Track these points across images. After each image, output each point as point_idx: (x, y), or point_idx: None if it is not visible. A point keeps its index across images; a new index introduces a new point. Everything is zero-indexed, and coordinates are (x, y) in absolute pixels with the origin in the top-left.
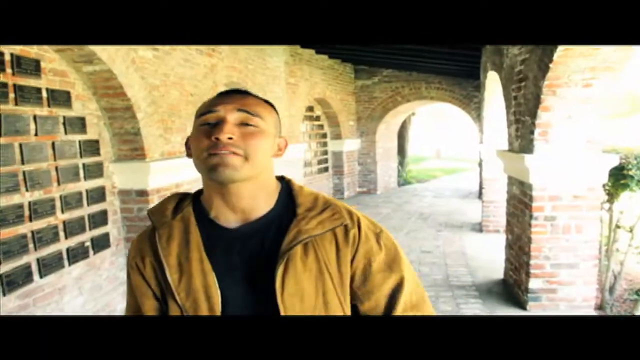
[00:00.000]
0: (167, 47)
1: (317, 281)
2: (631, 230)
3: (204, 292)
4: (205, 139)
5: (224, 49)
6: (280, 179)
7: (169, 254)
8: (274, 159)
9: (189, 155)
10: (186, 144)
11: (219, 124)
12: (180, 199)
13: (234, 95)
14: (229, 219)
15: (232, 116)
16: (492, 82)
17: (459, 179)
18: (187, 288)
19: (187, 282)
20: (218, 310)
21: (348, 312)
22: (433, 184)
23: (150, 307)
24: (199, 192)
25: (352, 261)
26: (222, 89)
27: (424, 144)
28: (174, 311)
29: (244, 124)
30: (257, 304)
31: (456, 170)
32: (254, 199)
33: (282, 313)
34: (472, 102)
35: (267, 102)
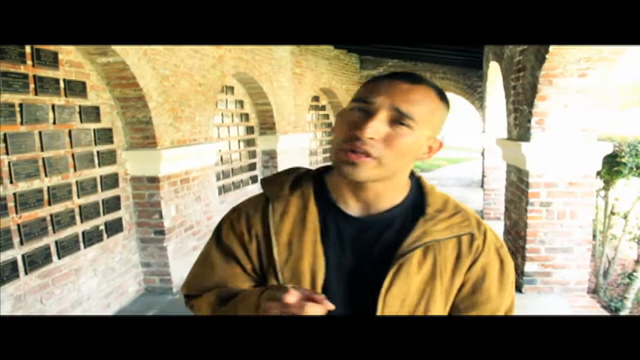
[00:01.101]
0: None
1: (426, 287)
2: (625, 217)
3: (310, 276)
4: (347, 129)
5: None
6: (411, 175)
7: (281, 231)
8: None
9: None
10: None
11: (367, 116)
12: (300, 175)
13: (399, 84)
14: (352, 207)
15: (384, 114)
16: (494, 72)
17: (463, 168)
18: (293, 269)
19: (295, 263)
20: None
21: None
22: (437, 173)
23: (238, 278)
24: (322, 170)
25: (466, 272)
26: (230, 79)
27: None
28: None
29: (395, 121)
30: (357, 295)
31: (461, 160)
32: (382, 193)
33: (379, 311)
34: (475, 92)
35: (439, 95)
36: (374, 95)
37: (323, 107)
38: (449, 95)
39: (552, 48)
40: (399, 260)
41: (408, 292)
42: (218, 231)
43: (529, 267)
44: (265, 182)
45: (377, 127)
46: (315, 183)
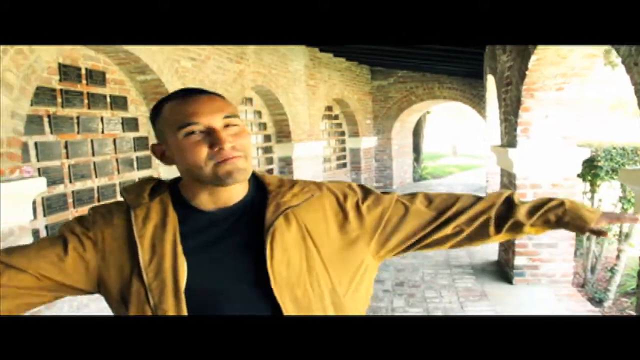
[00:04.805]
0: (202, 56)
1: (300, 247)
2: None
3: (172, 273)
4: (205, 149)
5: (251, 55)
6: None
7: (144, 235)
8: None
9: (165, 161)
10: (155, 151)
11: (212, 134)
12: (156, 184)
13: (206, 101)
14: (209, 207)
15: (219, 124)
16: (491, 84)
17: (472, 175)
18: (156, 269)
19: (158, 263)
20: (182, 288)
21: (334, 279)
22: (447, 179)
23: (46, 270)
24: (175, 180)
25: (346, 221)
26: (249, 92)
27: (441, 141)
28: (137, 291)
29: (227, 126)
30: (243, 275)
31: (471, 167)
32: (235, 189)
33: (272, 280)
34: (481, 101)
35: (223, 97)
36: (198, 115)
37: (336, 117)
38: (457, 104)
39: (530, 65)
40: (268, 231)
41: (289, 257)
42: (68, 224)
43: (518, 260)
44: (125, 191)
45: (225, 136)
46: (171, 191)
